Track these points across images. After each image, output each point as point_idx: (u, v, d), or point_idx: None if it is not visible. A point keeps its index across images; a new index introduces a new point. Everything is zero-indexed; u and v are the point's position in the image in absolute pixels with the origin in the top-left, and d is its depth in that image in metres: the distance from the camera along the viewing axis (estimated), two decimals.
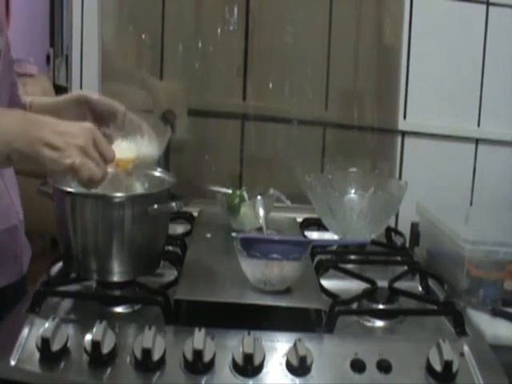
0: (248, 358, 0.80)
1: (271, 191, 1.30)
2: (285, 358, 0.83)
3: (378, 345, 0.87)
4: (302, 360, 0.81)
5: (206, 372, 0.81)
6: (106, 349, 0.81)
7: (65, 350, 0.83)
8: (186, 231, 1.31)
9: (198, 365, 0.81)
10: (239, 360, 0.81)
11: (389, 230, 1.36)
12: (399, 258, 1.23)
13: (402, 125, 1.56)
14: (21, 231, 1.11)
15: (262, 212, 1.18)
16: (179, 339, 0.85)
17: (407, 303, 1.02)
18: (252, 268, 0.95)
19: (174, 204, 0.95)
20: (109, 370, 0.82)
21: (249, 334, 0.83)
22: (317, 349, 0.85)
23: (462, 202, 1.57)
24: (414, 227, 1.37)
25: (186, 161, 1.57)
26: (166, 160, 1.44)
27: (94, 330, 0.82)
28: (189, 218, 1.37)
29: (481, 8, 1.51)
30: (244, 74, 1.56)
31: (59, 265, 1.08)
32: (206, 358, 0.81)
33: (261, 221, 1.17)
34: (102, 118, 1.08)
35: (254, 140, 1.59)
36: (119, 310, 0.96)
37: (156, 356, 0.81)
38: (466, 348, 0.88)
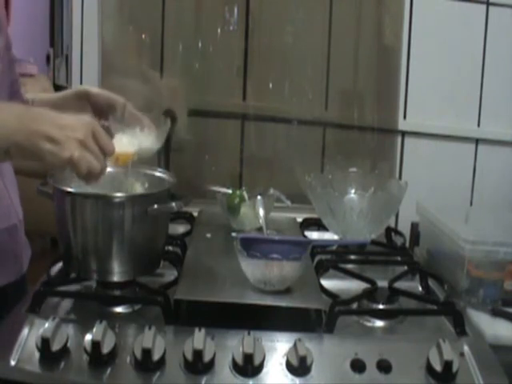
0: (248, 357, 0.80)
1: (271, 191, 1.30)
2: (285, 358, 0.83)
3: (378, 345, 0.87)
4: (302, 360, 0.81)
5: (206, 372, 0.81)
6: (106, 349, 0.81)
7: (65, 350, 0.83)
8: (186, 231, 1.31)
9: (198, 365, 0.81)
10: (239, 360, 0.81)
11: (389, 230, 1.36)
12: (399, 258, 1.23)
13: (402, 125, 1.56)
14: (20, 231, 1.11)
15: (261, 212, 1.18)
16: (179, 339, 0.85)
17: (407, 303, 1.02)
18: (252, 268, 0.95)
19: (173, 204, 0.95)
20: (109, 370, 0.82)
21: (249, 334, 0.83)
22: (317, 349, 0.85)
23: (462, 202, 1.57)
24: (414, 227, 1.37)
25: (186, 161, 1.57)
26: (166, 160, 1.44)
27: (94, 330, 0.82)
28: (189, 218, 1.37)
29: (481, 8, 1.51)
30: (244, 74, 1.56)
31: (59, 265, 1.08)
32: (206, 357, 0.81)
33: (261, 221, 1.17)
34: (101, 111, 1.08)
35: (254, 140, 1.59)
36: (119, 309, 0.96)
37: (156, 356, 0.81)
38: (465, 348, 0.88)
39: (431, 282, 1.12)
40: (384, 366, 0.83)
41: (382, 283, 1.03)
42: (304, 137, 1.59)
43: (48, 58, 3.30)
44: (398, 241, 1.34)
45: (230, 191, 1.29)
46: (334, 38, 1.55)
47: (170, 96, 1.53)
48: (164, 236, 1.03)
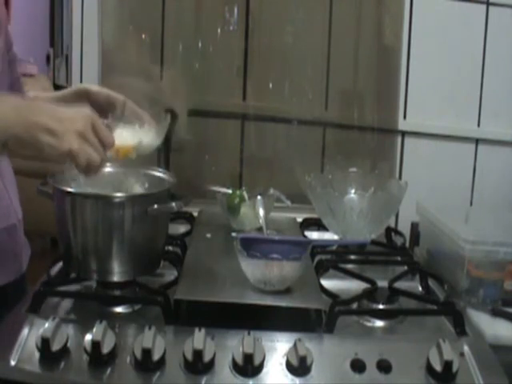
0: (248, 358, 0.80)
1: (271, 191, 1.30)
2: (285, 358, 0.83)
3: (378, 345, 0.87)
4: (302, 360, 0.81)
5: (206, 372, 0.81)
6: (106, 349, 0.81)
7: (65, 350, 0.83)
8: (186, 231, 1.30)
9: (198, 365, 0.81)
10: (239, 360, 0.81)
11: (389, 230, 1.36)
12: (399, 258, 1.23)
13: (402, 125, 1.56)
14: (20, 230, 1.12)
15: (261, 212, 1.18)
16: (179, 339, 0.85)
17: (407, 303, 1.02)
18: (252, 268, 0.95)
19: (173, 204, 0.95)
20: (109, 370, 0.82)
21: (249, 334, 0.83)
22: (317, 349, 0.85)
23: (462, 202, 1.57)
24: (414, 227, 1.37)
25: (186, 161, 1.57)
26: (165, 160, 1.44)
27: (94, 330, 0.82)
28: (189, 218, 1.37)
29: (481, 8, 1.51)
30: (244, 74, 1.56)
31: (59, 265, 1.08)
32: (206, 357, 0.80)
33: (261, 221, 1.17)
34: (101, 109, 1.08)
35: (254, 140, 1.59)
36: (119, 309, 0.96)
37: (156, 356, 0.81)
38: (466, 348, 0.88)
39: (431, 282, 1.12)
40: (384, 366, 0.83)
41: (382, 283, 1.03)
42: (304, 137, 1.59)
43: (48, 57, 3.30)
44: (398, 241, 1.34)
45: (230, 191, 1.29)
46: (334, 38, 1.55)
47: (170, 95, 1.53)
48: (164, 236, 1.03)
